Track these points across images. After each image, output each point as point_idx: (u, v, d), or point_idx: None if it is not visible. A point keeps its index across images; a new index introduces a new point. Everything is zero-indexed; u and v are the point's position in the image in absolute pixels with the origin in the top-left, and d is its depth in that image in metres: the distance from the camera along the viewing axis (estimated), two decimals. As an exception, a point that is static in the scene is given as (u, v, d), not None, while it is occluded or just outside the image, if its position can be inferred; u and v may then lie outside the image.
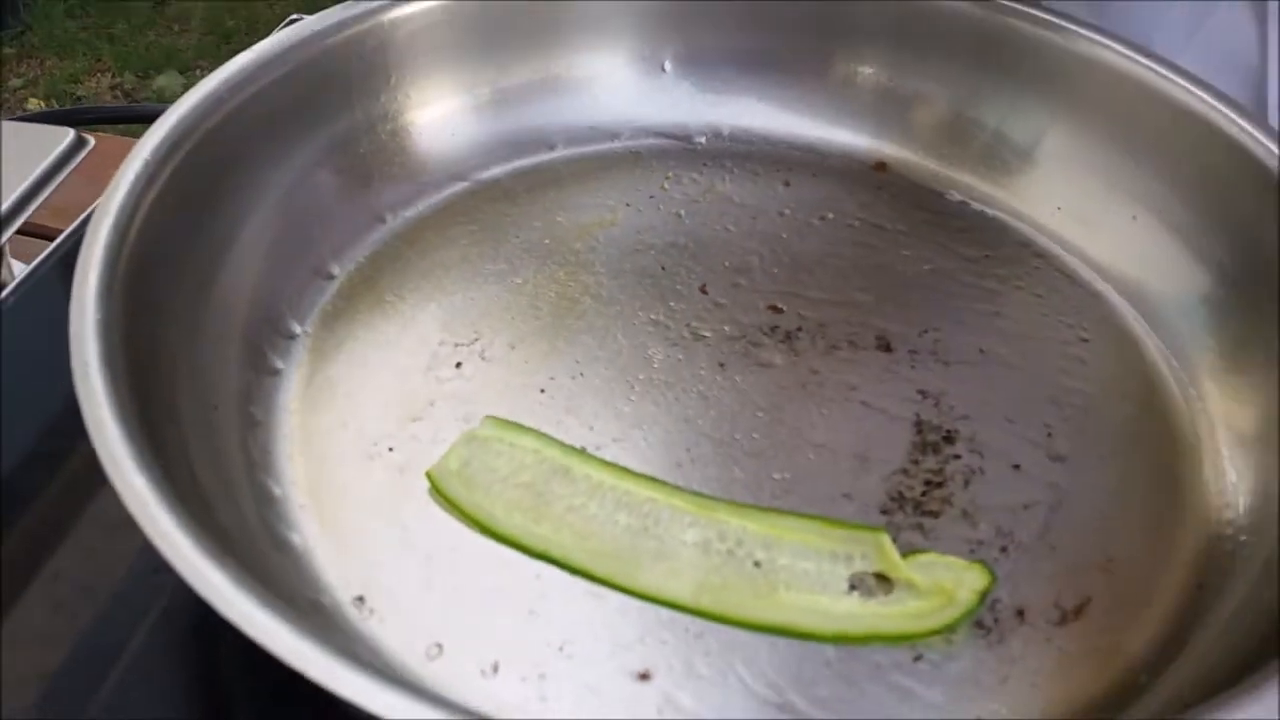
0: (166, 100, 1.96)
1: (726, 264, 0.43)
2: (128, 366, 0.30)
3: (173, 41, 2.08)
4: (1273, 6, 0.52)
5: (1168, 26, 0.56)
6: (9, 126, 0.49)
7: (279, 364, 0.39)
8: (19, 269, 0.49)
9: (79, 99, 1.95)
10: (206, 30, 2.09)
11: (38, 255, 0.49)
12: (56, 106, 1.90)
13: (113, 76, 2.00)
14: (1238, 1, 0.54)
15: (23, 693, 0.32)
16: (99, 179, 0.50)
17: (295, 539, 0.34)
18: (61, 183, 0.49)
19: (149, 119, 0.39)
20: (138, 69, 2.01)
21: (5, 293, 0.45)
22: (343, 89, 0.43)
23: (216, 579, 0.25)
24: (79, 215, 0.49)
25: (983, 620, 0.32)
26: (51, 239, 0.51)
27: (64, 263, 0.44)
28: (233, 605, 0.25)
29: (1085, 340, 0.41)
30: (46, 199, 0.48)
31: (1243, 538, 0.34)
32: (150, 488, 0.27)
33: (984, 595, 0.32)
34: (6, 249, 0.48)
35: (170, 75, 2.00)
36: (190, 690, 0.34)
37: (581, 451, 0.36)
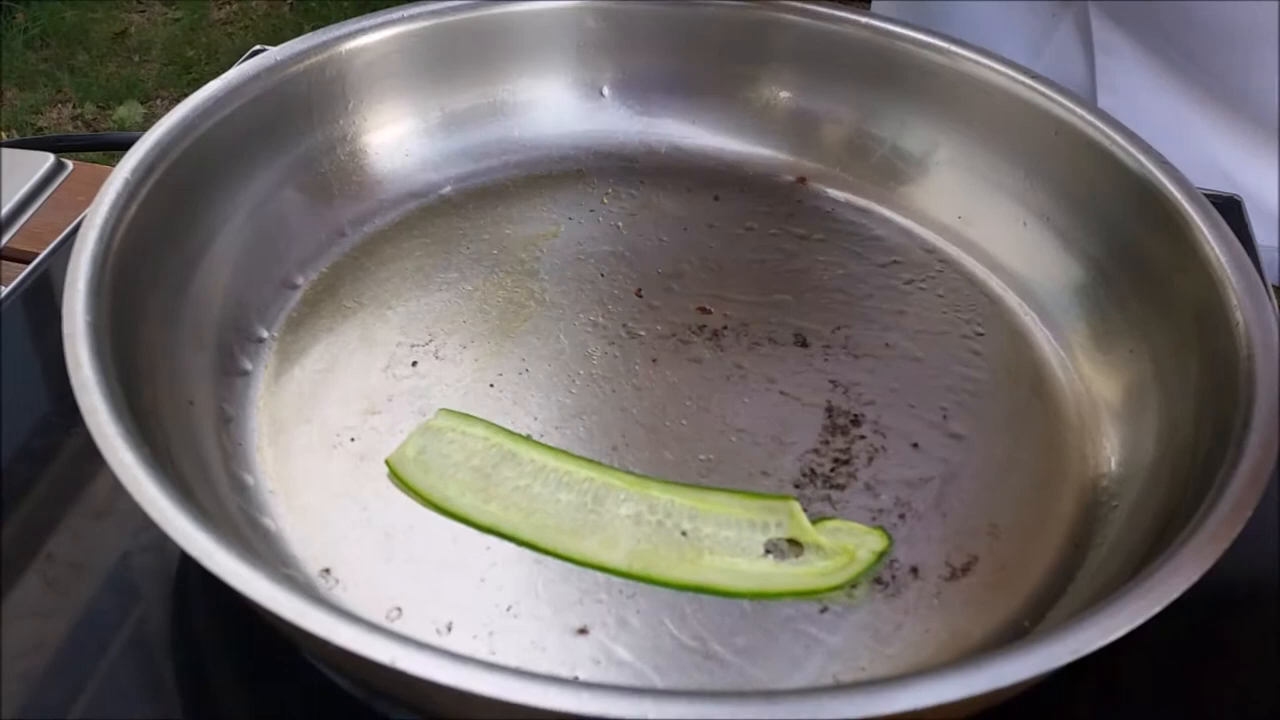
0: (128, 130, 1.98)
1: (660, 270, 0.47)
2: (115, 363, 0.34)
3: (133, 72, 2.09)
4: (1098, 40, 0.58)
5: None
6: (-10, 152, 0.53)
7: (247, 365, 0.42)
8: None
9: (40, 129, 1.97)
10: (167, 60, 2.11)
11: (9, 276, 0.52)
12: (18, 136, 1.92)
13: (74, 107, 2.02)
14: (1070, 29, 0.60)
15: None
16: (67, 204, 0.53)
17: (266, 522, 0.37)
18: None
19: (122, 146, 0.42)
20: (98, 100, 2.03)
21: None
22: (304, 114, 0.47)
23: (201, 538, 0.29)
24: (50, 237, 0.52)
25: (881, 577, 0.36)
26: (23, 260, 0.55)
27: (44, 281, 0.47)
28: (218, 561, 0.29)
29: (980, 334, 0.45)
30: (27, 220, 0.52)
31: (1114, 503, 0.39)
32: (140, 464, 0.30)
33: (881, 555, 0.37)
34: (-8, 269, 0.51)
35: (131, 105, 2.02)
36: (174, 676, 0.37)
37: (527, 438, 0.40)
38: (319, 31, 0.47)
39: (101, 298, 0.36)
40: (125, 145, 0.42)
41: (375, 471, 0.39)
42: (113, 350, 0.34)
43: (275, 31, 2.13)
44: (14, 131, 1.93)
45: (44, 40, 2.16)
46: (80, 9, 2.24)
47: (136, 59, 2.14)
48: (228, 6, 2.28)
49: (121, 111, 2.01)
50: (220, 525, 0.34)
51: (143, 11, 2.28)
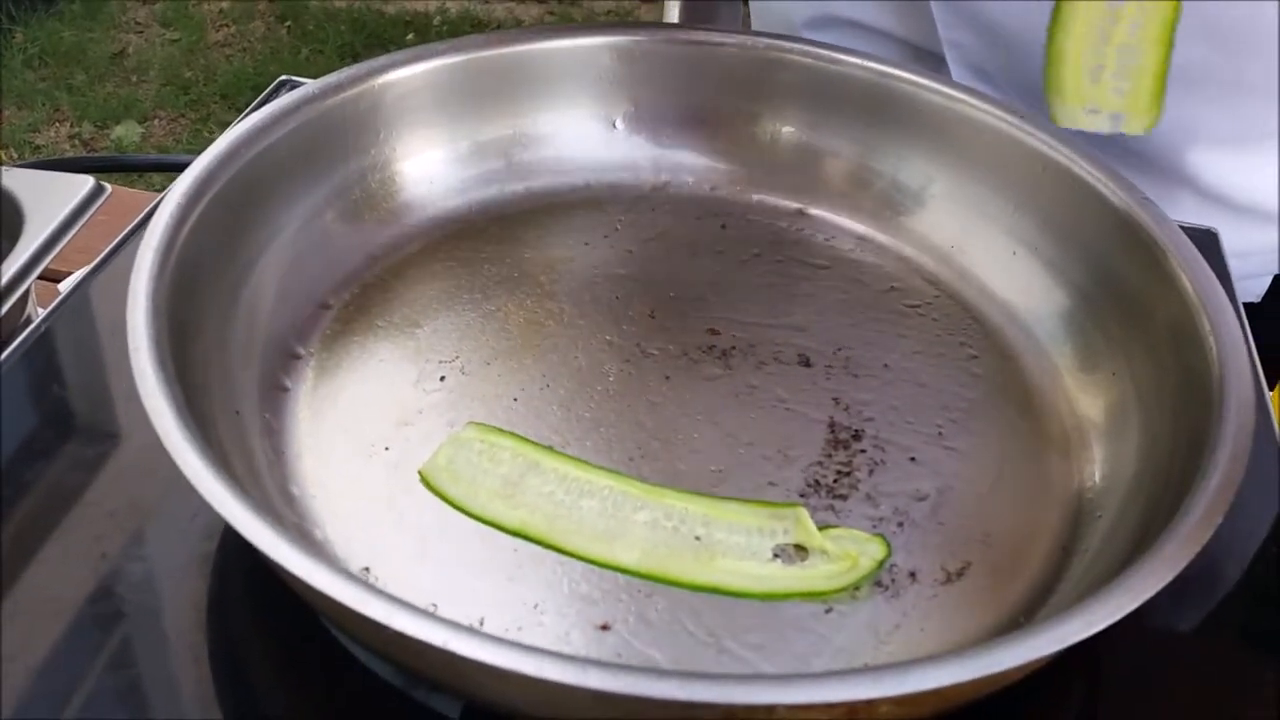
0: (125, 149, 2.01)
1: (671, 294, 0.50)
2: (176, 375, 0.37)
3: (131, 92, 2.12)
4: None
5: None
6: (33, 174, 0.55)
7: (287, 382, 0.45)
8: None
9: (38, 148, 1.99)
10: (164, 81, 2.14)
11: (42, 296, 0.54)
12: (16, 156, 1.94)
13: (71, 126, 2.04)
14: None
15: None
16: (90, 223, 0.56)
17: (308, 523, 0.40)
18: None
19: (175, 168, 0.45)
20: (96, 119, 2.05)
21: (35, 324, 0.50)
22: (339, 144, 0.50)
23: (267, 533, 0.32)
24: (74, 256, 0.54)
25: (882, 580, 0.39)
26: (50, 280, 0.57)
27: (83, 298, 0.50)
28: (283, 555, 0.31)
29: (974, 356, 0.48)
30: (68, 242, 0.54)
31: (1099, 513, 0.42)
32: (206, 467, 0.33)
33: (882, 562, 0.39)
34: (33, 289, 0.53)
35: (128, 125, 2.04)
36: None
37: (550, 449, 0.43)
38: (354, 66, 0.50)
39: (160, 312, 0.38)
40: (159, 168, 0.44)
41: (409, 479, 0.42)
42: (174, 361, 0.37)
43: (273, 54, 2.16)
44: (11, 151, 1.95)
45: (42, 60, 2.18)
46: (78, 29, 2.27)
47: (134, 79, 2.16)
48: (225, 29, 2.31)
49: (119, 131, 2.03)
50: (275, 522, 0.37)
51: (140, 32, 2.30)
